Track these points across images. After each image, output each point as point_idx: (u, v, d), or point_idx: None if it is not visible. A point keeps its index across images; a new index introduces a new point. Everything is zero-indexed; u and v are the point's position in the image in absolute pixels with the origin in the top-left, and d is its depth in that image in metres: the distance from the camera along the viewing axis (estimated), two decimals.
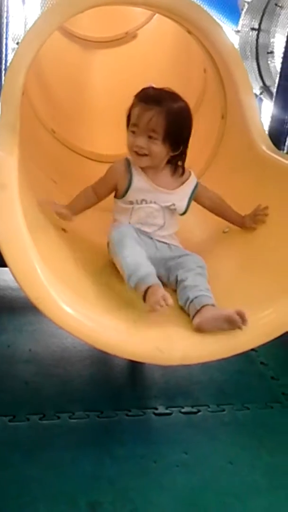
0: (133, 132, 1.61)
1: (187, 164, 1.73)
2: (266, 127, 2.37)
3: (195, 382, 1.95)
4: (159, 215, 1.69)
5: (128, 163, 1.68)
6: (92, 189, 1.72)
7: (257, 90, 4.04)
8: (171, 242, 1.72)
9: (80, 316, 1.29)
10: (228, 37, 1.93)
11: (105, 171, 1.73)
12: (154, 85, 1.64)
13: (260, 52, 4.07)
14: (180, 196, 1.71)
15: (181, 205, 1.72)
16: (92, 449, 1.55)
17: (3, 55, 2.71)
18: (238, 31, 4.22)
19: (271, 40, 3.99)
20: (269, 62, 4.01)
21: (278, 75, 2.57)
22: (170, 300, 1.37)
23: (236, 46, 3.66)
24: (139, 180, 1.67)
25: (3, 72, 2.45)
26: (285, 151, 2.42)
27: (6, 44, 2.84)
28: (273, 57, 3.96)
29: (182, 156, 1.69)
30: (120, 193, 1.69)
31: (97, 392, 1.83)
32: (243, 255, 1.74)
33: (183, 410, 1.78)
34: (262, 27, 4.03)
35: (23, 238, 1.26)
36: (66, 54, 2.94)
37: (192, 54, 2.25)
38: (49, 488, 1.40)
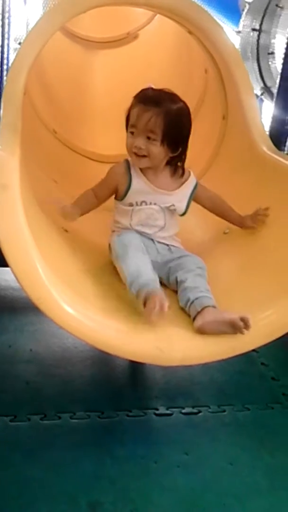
0: (132, 133, 1.61)
1: (188, 164, 1.73)
2: (267, 128, 2.37)
3: (196, 382, 1.95)
4: (159, 217, 1.68)
5: (127, 165, 1.68)
6: (93, 191, 1.71)
7: (258, 91, 4.04)
8: (171, 243, 1.71)
9: (81, 316, 1.29)
10: (229, 38, 1.93)
11: (106, 171, 1.72)
12: (153, 86, 1.64)
13: (261, 52, 4.06)
14: (180, 197, 1.71)
15: (181, 205, 1.71)
16: (93, 449, 1.56)
17: (5, 55, 2.72)
18: (239, 32, 4.22)
19: (272, 41, 3.98)
20: (270, 62, 4.00)
21: (279, 76, 2.58)
22: (165, 309, 1.34)
23: (237, 46, 3.66)
24: (138, 182, 1.66)
25: (5, 72, 2.46)
26: (285, 152, 2.42)
27: (8, 45, 2.85)
28: (274, 58, 3.95)
29: (182, 157, 1.68)
30: (120, 195, 1.69)
31: (98, 392, 1.83)
32: (243, 256, 1.74)
33: (183, 410, 1.78)
34: (263, 27, 4.02)
35: (24, 238, 1.26)
36: (67, 55, 2.94)
37: (193, 54, 2.25)
38: (50, 488, 1.40)
